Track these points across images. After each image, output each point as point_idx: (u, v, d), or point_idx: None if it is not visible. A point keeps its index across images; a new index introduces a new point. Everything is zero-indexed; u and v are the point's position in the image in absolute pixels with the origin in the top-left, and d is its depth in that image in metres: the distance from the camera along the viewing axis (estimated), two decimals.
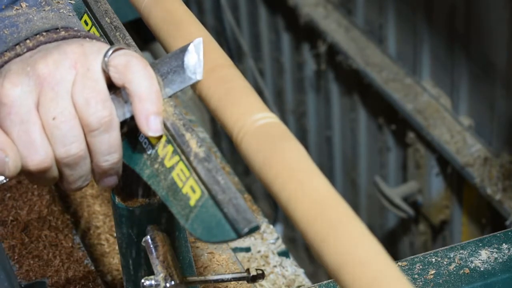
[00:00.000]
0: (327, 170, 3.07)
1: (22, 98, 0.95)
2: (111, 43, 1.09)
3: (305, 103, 3.10)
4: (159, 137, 0.99)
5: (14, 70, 0.97)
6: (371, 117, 2.72)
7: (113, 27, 1.10)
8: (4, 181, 0.98)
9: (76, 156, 0.97)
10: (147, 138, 1.00)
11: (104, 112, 0.96)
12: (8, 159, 0.95)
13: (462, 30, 2.17)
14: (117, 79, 0.97)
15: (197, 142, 0.96)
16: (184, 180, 0.95)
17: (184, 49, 1.02)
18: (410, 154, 2.50)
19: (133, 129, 1.00)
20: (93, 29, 1.12)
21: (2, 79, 0.97)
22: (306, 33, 2.89)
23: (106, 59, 0.97)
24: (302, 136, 3.16)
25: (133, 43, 1.08)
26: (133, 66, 0.97)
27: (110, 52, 0.98)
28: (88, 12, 1.14)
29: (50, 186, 1.51)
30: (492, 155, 2.18)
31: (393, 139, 2.63)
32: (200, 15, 3.48)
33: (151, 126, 0.97)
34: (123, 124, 1.00)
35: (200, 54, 1.01)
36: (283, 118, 3.23)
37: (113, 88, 0.99)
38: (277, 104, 3.28)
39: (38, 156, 0.96)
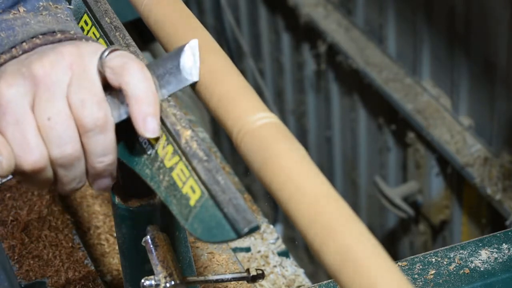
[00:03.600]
0: (327, 170, 3.07)
1: (17, 99, 0.95)
2: (111, 43, 1.09)
3: (305, 103, 3.10)
4: (157, 138, 0.98)
5: (10, 71, 0.97)
6: (371, 117, 2.72)
7: (113, 27, 1.10)
8: (2, 181, 0.98)
9: (71, 157, 0.97)
10: (147, 138, 1.00)
11: (100, 113, 0.96)
12: (1, 157, 0.95)
13: (462, 30, 2.17)
14: (113, 80, 0.97)
15: (197, 142, 0.96)
16: (184, 180, 0.95)
17: (180, 50, 1.02)
18: (410, 154, 2.50)
19: (133, 130, 1.00)
20: (93, 29, 1.12)
21: None
22: (306, 33, 2.89)
23: (102, 60, 0.97)
24: (302, 136, 3.16)
25: (133, 43, 1.08)
26: (129, 68, 0.97)
27: (106, 53, 0.98)
28: (88, 12, 1.14)
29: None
30: (492, 155, 2.18)
31: (393, 139, 2.63)
32: (200, 15, 3.48)
33: (148, 127, 0.97)
34: (119, 125, 1.00)
35: (196, 55, 1.01)
36: (283, 118, 3.23)
37: (108, 89, 0.99)
38: (277, 104, 3.28)
39: (33, 156, 0.96)
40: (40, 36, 1.01)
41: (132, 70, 0.97)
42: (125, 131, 1.01)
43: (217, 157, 1.82)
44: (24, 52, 1.00)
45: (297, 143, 0.91)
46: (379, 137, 2.70)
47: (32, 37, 1.01)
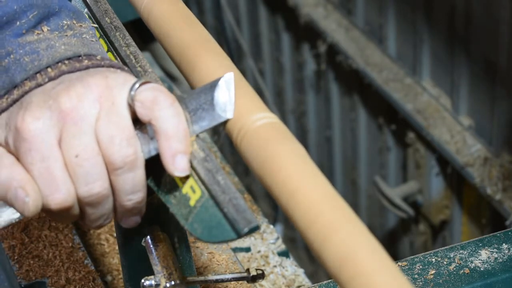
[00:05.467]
0: (327, 170, 3.07)
1: (43, 134, 0.91)
2: (111, 43, 1.09)
3: (305, 103, 3.10)
4: (186, 177, 0.95)
5: (36, 103, 0.93)
6: (371, 117, 2.72)
7: (113, 27, 1.10)
8: (21, 217, 0.95)
9: (99, 195, 0.94)
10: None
11: (129, 150, 0.92)
12: (28, 198, 0.91)
13: (462, 30, 2.17)
14: (143, 115, 0.93)
15: (197, 142, 0.96)
16: (184, 180, 0.95)
17: (214, 85, 0.97)
18: (410, 154, 2.50)
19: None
20: None
21: (23, 111, 0.93)
22: (306, 33, 2.89)
23: (132, 93, 0.93)
24: (302, 136, 3.16)
25: (133, 43, 1.08)
26: (161, 102, 0.93)
27: (137, 86, 0.93)
28: (88, 12, 1.14)
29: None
30: (492, 155, 2.18)
31: (393, 139, 2.63)
32: (200, 15, 3.48)
33: (177, 166, 0.93)
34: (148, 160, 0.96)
35: (231, 91, 0.96)
36: (283, 118, 3.23)
37: (138, 123, 0.95)
38: (277, 104, 3.28)
39: (60, 195, 0.92)
40: (66, 62, 0.97)
41: (163, 104, 0.93)
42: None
43: (217, 157, 1.82)
44: (50, 79, 0.95)
45: (297, 143, 0.91)
46: (379, 137, 2.71)
47: (58, 62, 0.97)
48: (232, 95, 0.96)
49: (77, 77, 0.95)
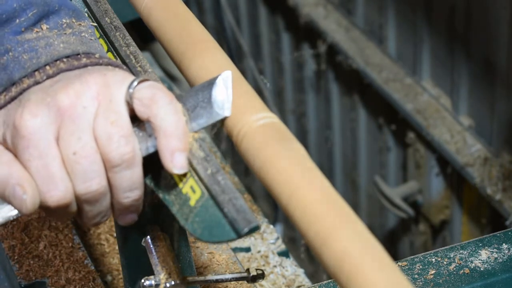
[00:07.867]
0: (327, 170, 3.07)
1: (41, 131, 0.91)
2: (111, 43, 1.09)
3: (305, 103, 3.10)
4: (184, 174, 0.95)
5: (34, 100, 0.93)
6: (371, 117, 2.72)
7: (113, 27, 1.10)
8: (19, 215, 0.95)
9: (97, 193, 0.94)
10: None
11: (127, 148, 0.92)
12: (26, 196, 0.91)
13: (462, 30, 2.17)
14: (142, 112, 0.93)
15: (197, 142, 0.96)
16: (184, 180, 0.95)
17: (212, 82, 0.97)
18: (410, 154, 2.50)
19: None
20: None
21: (21, 109, 0.92)
22: (306, 33, 2.89)
23: (130, 90, 0.93)
24: (302, 136, 3.16)
25: (133, 43, 1.08)
26: (159, 100, 0.93)
27: (135, 83, 0.93)
28: (88, 12, 1.14)
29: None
30: (492, 155, 2.18)
31: (393, 139, 2.63)
32: (200, 15, 3.48)
33: (176, 163, 0.93)
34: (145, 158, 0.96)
35: (229, 89, 0.96)
36: (283, 118, 3.23)
37: (136, 120, 0.95)
38: (277, 104, 3.28)
39: (58, 192, 0.92)
40: (65, 59, 0.97)
41: (161, 102, 0.93)
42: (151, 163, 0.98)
43: (217, 157, 1.82)
44: (48, 77, 0.95)
45: (297, 143, 0.91)
46: (379, 137, 2.70)
47: (56, 60, 0.96)
48: (229, 93, 0.96)
49: (75, 75, 0.95)
